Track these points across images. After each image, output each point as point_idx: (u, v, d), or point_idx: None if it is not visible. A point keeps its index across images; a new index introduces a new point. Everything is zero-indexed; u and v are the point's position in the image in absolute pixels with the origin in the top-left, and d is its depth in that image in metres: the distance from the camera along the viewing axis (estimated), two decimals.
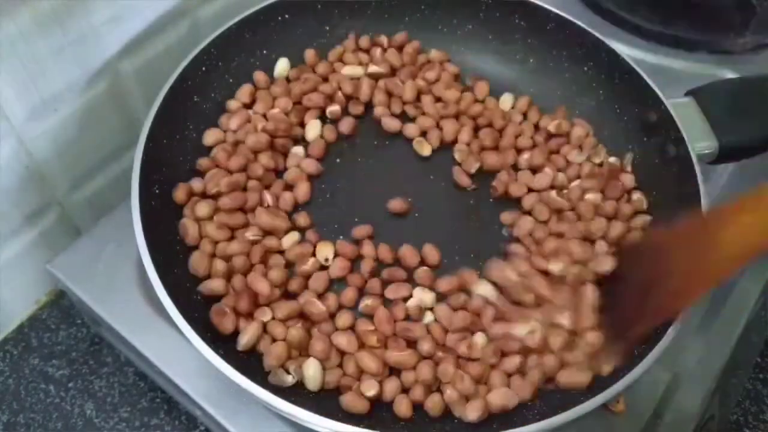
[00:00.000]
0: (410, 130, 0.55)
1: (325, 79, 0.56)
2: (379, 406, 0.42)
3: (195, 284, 0.45)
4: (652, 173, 0.51)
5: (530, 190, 0.52)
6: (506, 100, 0.57)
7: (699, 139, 0.49)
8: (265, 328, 0.43)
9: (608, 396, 0.38)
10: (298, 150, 0.53)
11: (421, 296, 0.46)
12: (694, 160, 0.48)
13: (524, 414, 0.41)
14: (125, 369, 0.53)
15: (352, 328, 0.45)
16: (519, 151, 0.54)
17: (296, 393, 0.41)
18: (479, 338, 0.44)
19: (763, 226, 0.36)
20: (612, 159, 0.53)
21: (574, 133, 0.54)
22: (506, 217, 0.51)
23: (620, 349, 0.41)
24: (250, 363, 0.42)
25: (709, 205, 0.46)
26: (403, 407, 0.41)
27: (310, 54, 0.56)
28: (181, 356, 0.44)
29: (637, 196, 0.51)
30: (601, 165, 0.53)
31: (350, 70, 0.56)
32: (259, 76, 0.55)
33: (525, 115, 0.56)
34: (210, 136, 0.51)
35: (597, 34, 0.54)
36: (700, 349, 0.49)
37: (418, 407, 0.42)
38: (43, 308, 0.56)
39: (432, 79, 0.57)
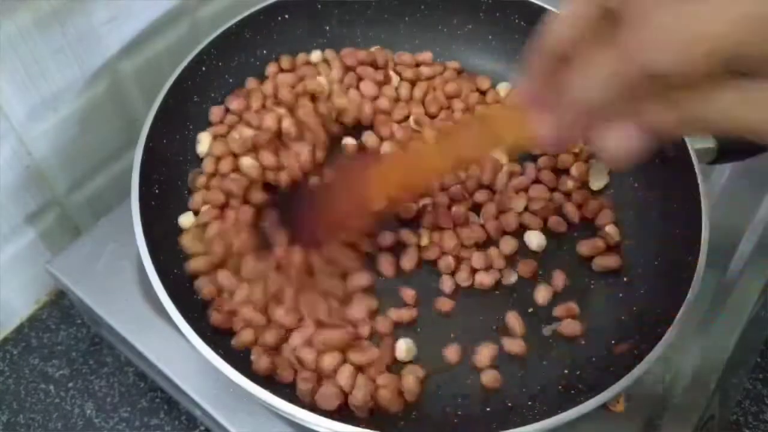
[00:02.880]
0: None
1: None
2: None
3: (194, 284, 0.45)
4: (652, 173, 0.51)
5: None
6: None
7: (698, 139, 0.49)
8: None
9: (608, 396, 0.38)
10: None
11: None
12: (694, 160, 0.48)
13: (524, 414, 0.41)
14: (125, 369, 0.53)
15: None
16: None
17: (296, 393, 0.41)
18: None
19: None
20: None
21: None
22: None
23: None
24: (250, 363, 0.42)
25: (708, 206, 0.46)
26: None
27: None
28: (181, 356, 0.44)
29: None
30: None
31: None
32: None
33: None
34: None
35: None
36: (700, 348, 0.49)
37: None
38: (43, 308, 0.56)
39: (430, 75, 0.57)
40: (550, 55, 0.29)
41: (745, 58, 0.23)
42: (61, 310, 0.56)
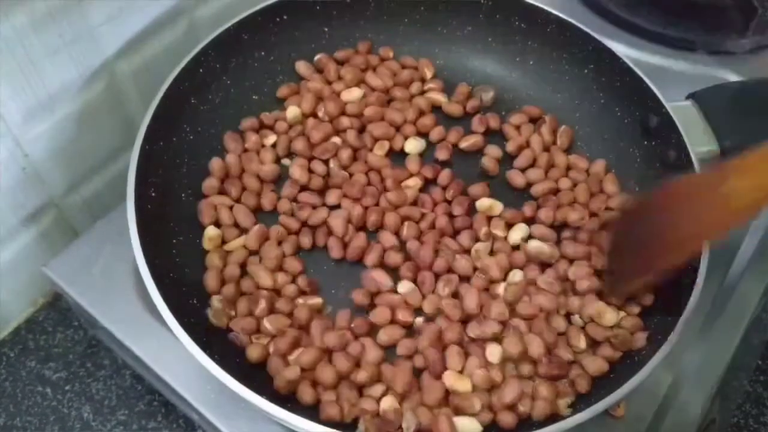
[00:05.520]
0: None
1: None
2: None
3: (191, 288, 0.45)
4: (653, 177, 0.51)
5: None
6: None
7: (700, 142, 0.49)
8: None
9: (610, 403, 0.38)
10: None
11: None
12: (695, 163, 0.47)
13: (525, 422, 0.41)
14: (122, 372, 0.53)
15: None
16: None
17: (292, 400, 0.41)
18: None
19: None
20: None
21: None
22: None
23: (622, 294, 0.45)
24: (245, 369, 0.42)
25: None
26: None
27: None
28: (177, 360, 0.44)
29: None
30: None
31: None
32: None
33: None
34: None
35: (597, 37, 0.54)
36: (701, 351, 0.49)
37: None
38: (40, 310, 0.56)
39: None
40: None
41: None
42: (58, 312, 0.55)
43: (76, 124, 0.51)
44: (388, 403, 0.41)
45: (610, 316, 0.44)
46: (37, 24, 0.44)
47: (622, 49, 0.54)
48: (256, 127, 0.54)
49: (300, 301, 0.45)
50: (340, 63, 0.57)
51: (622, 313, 0.45)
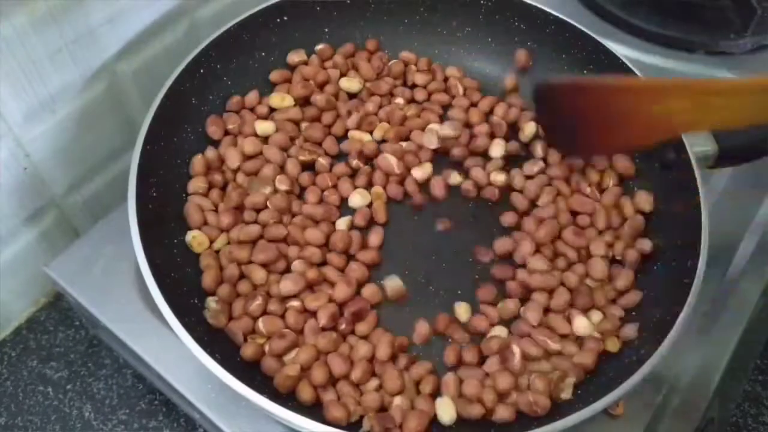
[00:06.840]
0: None
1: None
2: None
3: (191, 287, 0.45)
4: (652, 177, 0.51)
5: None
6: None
7: (699, 143, 0.49)
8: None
9: (609, 401, 0.38)
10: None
11: None
12: (694, 164, 0.47)
13: (523, 420, 0.41)
14: (124, 371, 0.53)
15: None
16: None
17: (292, 399, 0.41)
18: None
19: (687, 114, 0.42)
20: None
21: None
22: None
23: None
24: (247, 368, 0.42)
25: (708, 211, 0.46)
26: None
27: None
28: (178, 359, 0.44)
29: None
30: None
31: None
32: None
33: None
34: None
35: (596, 37, 0.54)
36: (700, 350, 0.49)
37: None
38: (41, 310, 0.56)
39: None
40: None
41: None
42: (59, 311, 0.56)
43: (77, 124, 0.51)
44: (396, 401, 0.41)
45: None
46: (37, 24, 0.44)
47: (621, 49, 0.55)
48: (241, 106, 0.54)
49: (293, 304, 0.45)
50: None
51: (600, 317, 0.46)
